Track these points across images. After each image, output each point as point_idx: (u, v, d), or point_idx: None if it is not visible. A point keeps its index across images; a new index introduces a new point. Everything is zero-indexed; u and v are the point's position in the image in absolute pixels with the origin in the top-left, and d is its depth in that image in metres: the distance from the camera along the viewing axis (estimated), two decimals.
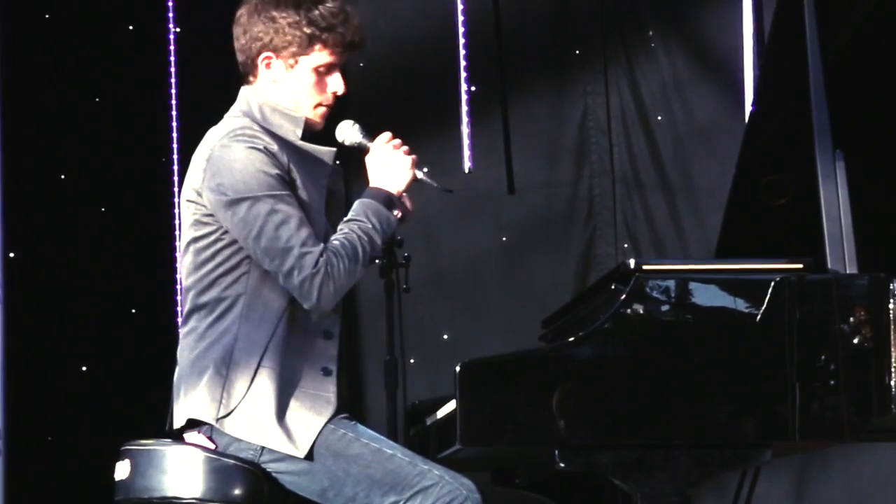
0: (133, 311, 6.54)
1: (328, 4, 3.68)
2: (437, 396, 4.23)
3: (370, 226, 3.64)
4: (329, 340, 3.65)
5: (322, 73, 3.70)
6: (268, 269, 3.60)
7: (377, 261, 3.79)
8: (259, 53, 3.69)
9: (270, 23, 3.66)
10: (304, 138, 3.72)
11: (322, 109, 3.74)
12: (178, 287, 6.45)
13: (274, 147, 3.63)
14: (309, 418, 3.59)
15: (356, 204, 3.69)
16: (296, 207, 3.59)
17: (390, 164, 3.72)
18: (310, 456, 3.59)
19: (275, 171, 3.60)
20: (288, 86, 3.70)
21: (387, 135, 3.77)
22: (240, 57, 3.74)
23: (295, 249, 3.56)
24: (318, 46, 3.67)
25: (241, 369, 3.60)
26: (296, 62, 3.68)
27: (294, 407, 3.59)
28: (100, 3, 6.61)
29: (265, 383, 3.59)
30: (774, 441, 3.80)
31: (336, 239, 3.62)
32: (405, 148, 3.75)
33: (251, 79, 3.74)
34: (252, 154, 3.60)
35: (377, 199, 3.68)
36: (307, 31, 3.65)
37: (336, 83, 3.72)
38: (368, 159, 3.75)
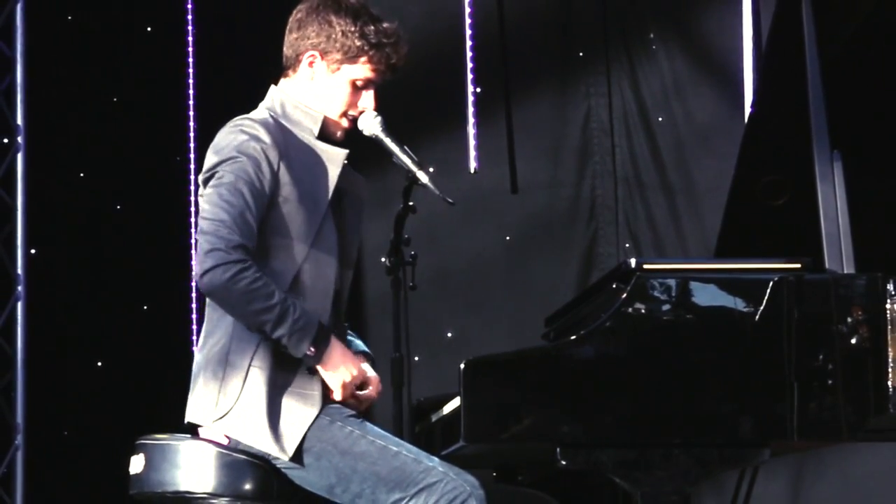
0: (148, 307, 6.49)
1: (384, 24, 3.67)
2: (441, 394, 4.20)
3: (291, 320, 3.48)
4: None
5: (358, 87, 3.68)
6: (198, 235, 3.54)
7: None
8: (307, 50, 3.66)
9: (326, 25, 3.64)
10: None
11: (345, 122, 3.69)
12: (193, 284, 6.40)
13: (267, 139, 3.57)
14: (296, 420, 3.54)
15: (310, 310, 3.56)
16: (256, 199, 3.50)
17: (337, 373, 3.56)
18: (299, 456, 3.53)
19: (255, 160, 3.54)
20: (323, 88, 3.67)
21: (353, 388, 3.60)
22: (286, 50, 3.70)
23: (228, 220, 3.46)
24: (362, 59, 3.65)
25: (235, 370, 3.56)
26: (338, 68, 3.66)
27: (284, 408, 3.54)
28: (121, 5, 6.56)
29: (257, 384, 3.54)
30: (773, 440, 3.75)
31: (274, 286, 3.49)
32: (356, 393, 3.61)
33: (290, 72, 3.70)
34: (239, 136, 3.56)
35: (319, 331, 3.52)
36: (357, 42, 3.63)
37: (367, 100, 3.69)
38: (344, 354, 3.58)
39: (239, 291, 3.46)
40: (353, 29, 3.63)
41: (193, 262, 6.41)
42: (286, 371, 3.55)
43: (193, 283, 6.41)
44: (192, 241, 6.40)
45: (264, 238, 3.55)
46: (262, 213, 3.54)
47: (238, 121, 3.63)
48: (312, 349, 3.52)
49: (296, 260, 3.57)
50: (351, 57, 3.64)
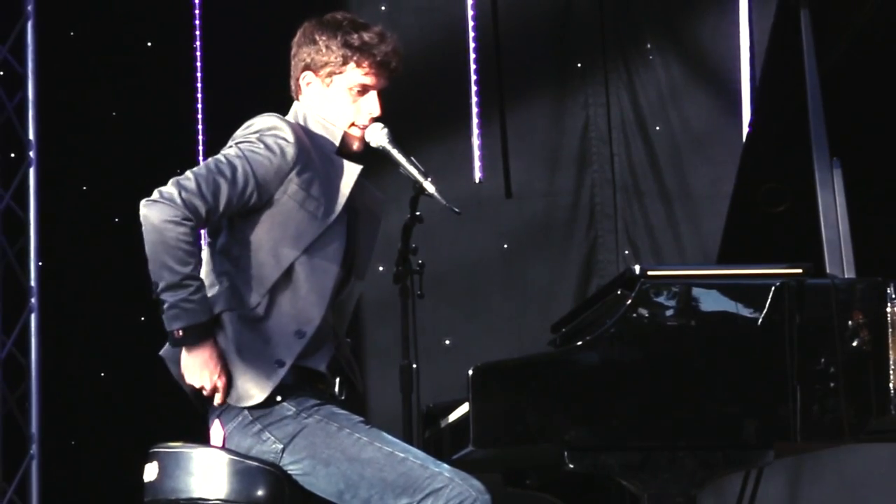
0: (148, 318, 6.47)
1: (367, 29, 3.73)
2: (451, 400, 4.18)
3: (182, 296, 3.47)
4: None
5: (356, 93, 3.72)
6: None
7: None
8: (301, 72, 3.74)
9: (312, 44, 3.72)
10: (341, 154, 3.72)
11: (357, 131, 3.72)
12: None
13: (290, 138, 3.61)
14: (265, 362, 3.53)
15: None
16: (246, 184, 3.53)
17: (192, 369, 3.57)
18: (271, 401, 3.52)
19: (270, 150, 3.57)
20: (324, 102, 3.72)
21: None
22: (291, 78, 3.79)
23: (204, 187, 3.50)
24: (351, 65, 3.70)
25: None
26: (331, 81, 3.72)
27: (253, 355, 3.53)
28: (131, 21, 6.56)
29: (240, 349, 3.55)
30: (776, 442, 3.74)
31: (197, 262, 3.50)
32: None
33: (297, 97, 3.79)
34: (267, 122, 3.61)
35: (201, 326, 3.52)
36: (341, 50, 3.70)
37: (372, 105, 3.72)
38: (210, 361, 3.57)
39: (164, 238, 3.46)
40: (334, 40, 3.70)
41: None
42: (273, 335, 3.55)
43: None
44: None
45: (255, 230, 3.57)
46: (246, 200, 3.54)
47: (272, 115, 3.66)
48: (181, 332, 3.50)
49: (282, 260, 3.56)
50: (339, 66, 3.70)
